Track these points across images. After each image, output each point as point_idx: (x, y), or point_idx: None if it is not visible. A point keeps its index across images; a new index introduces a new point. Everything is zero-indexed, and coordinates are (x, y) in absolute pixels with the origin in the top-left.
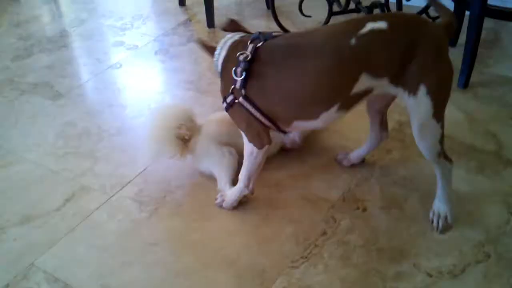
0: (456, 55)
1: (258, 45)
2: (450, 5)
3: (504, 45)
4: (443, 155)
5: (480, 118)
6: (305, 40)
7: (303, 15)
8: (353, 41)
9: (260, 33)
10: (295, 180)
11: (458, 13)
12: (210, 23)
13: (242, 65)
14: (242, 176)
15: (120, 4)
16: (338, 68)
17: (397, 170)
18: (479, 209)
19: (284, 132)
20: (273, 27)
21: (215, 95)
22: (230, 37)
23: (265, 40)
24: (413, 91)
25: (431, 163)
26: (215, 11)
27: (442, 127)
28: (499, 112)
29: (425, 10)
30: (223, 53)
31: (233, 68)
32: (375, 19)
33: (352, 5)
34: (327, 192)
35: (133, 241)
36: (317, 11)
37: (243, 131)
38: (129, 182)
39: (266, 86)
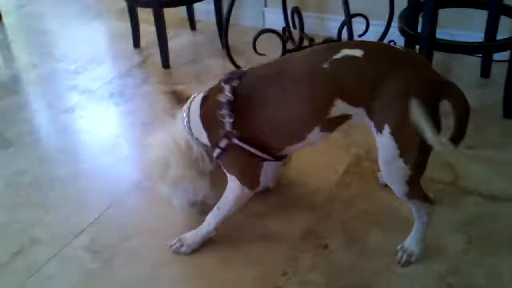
0: None
1: (234, 84)
2: (401, 40)
3: (455, 76)
4: (416, 197)
5: (436, 149)
6: (282, 66)
7: (257, 53)
8: (326, 65)
9: (228, 74)
10: (254, 220)
11: (408, 47)
12: (165, 64)
13: (225, 106)
14: (215, 219)
15: (73, 48)
16: (313, 92)
17: (357, 204)
18: (439, 240)
19: (280, 159)
20: (229, 66)
21: None
22: (195, 95)
23: (239, 78)
24: (379, 128)
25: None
26: (170, 52)
27: (414, 170)
28: None
29: None
30: (196, 108)
31: (218, 111)
32: (352, 45)
33: (305, 43)
34: (287, 231)
35: None
36: (271, 49)
37: (235, 174)
38: (81, 231)
39: (254, 121)
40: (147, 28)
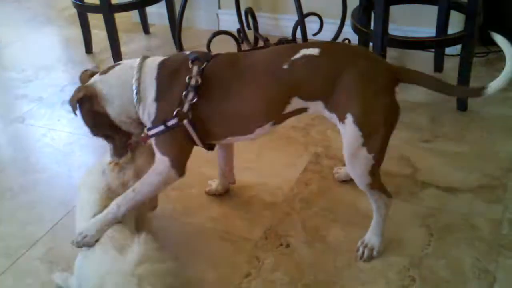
0: None
1: (202, 67)
2: (355, 38)
3: None
4: (377, 188)
5: (393, 143)
6: (246, 62)
7: None
8: (285, 65)
9: (196, 53)
10: (215, 222)
11: (363, 44)
12: None
13: (192, 89)
14: (127, 202)
15: (23, 56)
16: (271, 91)
17: (317, 202)
18: (400, 233)
19: (210, 149)
20: None
21: None
22: (151, 60)
23: (207, 62)
24: (341, 119)
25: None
26: (124, 56)
27: (376, 159)
28: (410, 136)
29: None
30: (151, 75)
31: (183, 92)
32: (310, 45)
33: (260, 43)
34: (249, 231)
35: None
36: (226, 50)
37: (170, 155)
38: (36, 242)
39: (210, 109)
40: (100, 34)
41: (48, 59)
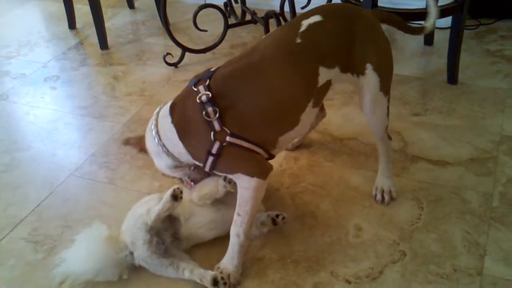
0: None
1: (207, 84)
2: None
3: (400, 45)
4: (387, 131)
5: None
6: (252, 58)
7: (199, 29)
8: (298, 40)
9: (196, 77)
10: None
11: None
12: (103, 45)
13: (209, 104)
14: (241, 226)
15: (4, 32)
16: (300, 68)
17: (306, 177)
18: (391, 207)
19: (272, 157)
20: (170, 44)
21: (112, 120)
22: (160, 107)
23: (209, 78)
24: (361, 72)
25: (377, 140)
26: (109, 32)
27: (389, 100)
28: (400, 110)
29: None
30: (166, 119)
31: (202, 113)
32: (307, 15)
33: (248, 17)
34: None
35: (29, 287)
36: (213, 24)
37: (241, 170)
38: (20, 222)
39: (240, 115)
40: (83, 9)
41: (31, 35)
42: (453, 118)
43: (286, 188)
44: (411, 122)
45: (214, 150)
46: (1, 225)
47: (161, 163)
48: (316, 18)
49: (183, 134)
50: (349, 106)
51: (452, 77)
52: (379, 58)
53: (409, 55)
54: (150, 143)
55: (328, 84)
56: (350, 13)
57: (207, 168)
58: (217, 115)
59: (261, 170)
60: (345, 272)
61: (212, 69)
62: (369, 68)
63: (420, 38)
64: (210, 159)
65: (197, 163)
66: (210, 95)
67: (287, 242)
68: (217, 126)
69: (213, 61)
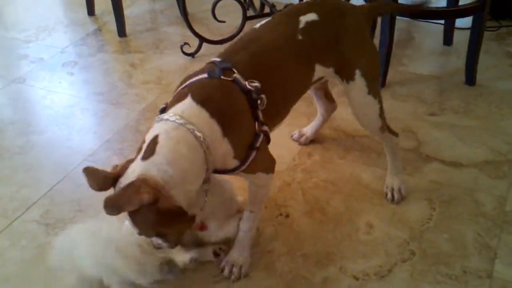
0: None
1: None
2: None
3: (417, 43)
4: (387, 130)
5: (399, 116)
6: (263, 49)
7: (217, 20)
8: (299, 36)
9: (209, 67)
10: None
11: None
12: (122, 32)
13: (256, 91)
14: (254, 222)
15: (24, 16)
16: (300, 63)
17: (318, 173)
18: (402, 206)
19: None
20: (188, 34)
21: (128, 107)
22: (162, 111)
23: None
24: (351, 77)
25: (378, 139)
26: (127, 20)
27: (380, 102)
28: (416, 109)
29: None
30: (200, 115)
31: (247, 103)
32: (303, 11)
33: (266, 9)
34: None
35: (39, 268)
36: (231, 16)
37: (262, 169)
38: (33, 204)
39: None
40: None
41: (49, 20)
42: (470, 119)
43: (298, 183)
44: (427, 121)
45: (258, 143)
46: (14, 207)
47: (182, 190)
48: (312, 17)
49: (227, 128)
50: None
51: (471, 78)
52: (367, 62)
53: (426, 53)
54: (176, 156)
55: (320, 79)
56: (342, 15)
57: (244, 167)
58: (264, 104)
59: (273, 164)
60: (353, 268)
61: (218, 59)
62: (357, 74)
63: (439, 37)
64: (253, 154)
65: (230, 164)
66: (258, 83)
67: (297, 236)
68: (261, 116)
69: None
